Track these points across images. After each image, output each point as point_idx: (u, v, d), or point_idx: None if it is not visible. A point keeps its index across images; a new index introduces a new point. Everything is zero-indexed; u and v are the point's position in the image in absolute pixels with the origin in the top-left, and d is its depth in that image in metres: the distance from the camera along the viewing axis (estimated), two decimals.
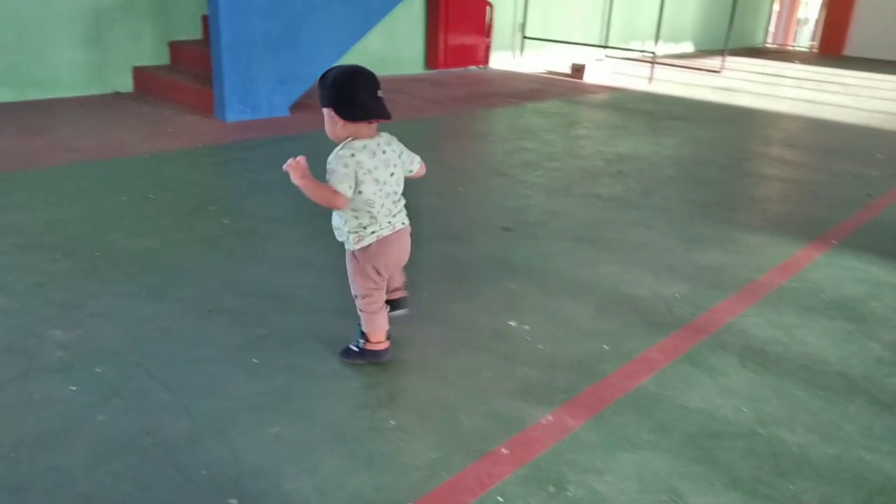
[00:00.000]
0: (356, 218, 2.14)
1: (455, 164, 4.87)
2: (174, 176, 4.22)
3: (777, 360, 2.47)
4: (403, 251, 2.26)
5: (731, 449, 1.98)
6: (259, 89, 5.66)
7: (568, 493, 1.79)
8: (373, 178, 2.08)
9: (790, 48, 15.88)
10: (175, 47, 6.58)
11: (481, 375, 2.28)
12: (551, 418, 2.08)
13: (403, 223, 2.23)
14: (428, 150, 5.37)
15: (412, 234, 2.30)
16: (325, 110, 2.09)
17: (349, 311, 2.52)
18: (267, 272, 2.95)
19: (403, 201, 2.24)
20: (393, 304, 2.39)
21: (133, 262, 2.97)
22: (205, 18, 6.64)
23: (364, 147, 2.07)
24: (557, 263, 3.21)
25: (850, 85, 9.83)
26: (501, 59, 9.79)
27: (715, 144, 5.82)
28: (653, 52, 9.35)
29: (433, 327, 2.58)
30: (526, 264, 3.18)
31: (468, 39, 8.99)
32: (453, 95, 7.42)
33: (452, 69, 8.96)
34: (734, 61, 11.42)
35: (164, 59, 6.60)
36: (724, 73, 10.21)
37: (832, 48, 14.13)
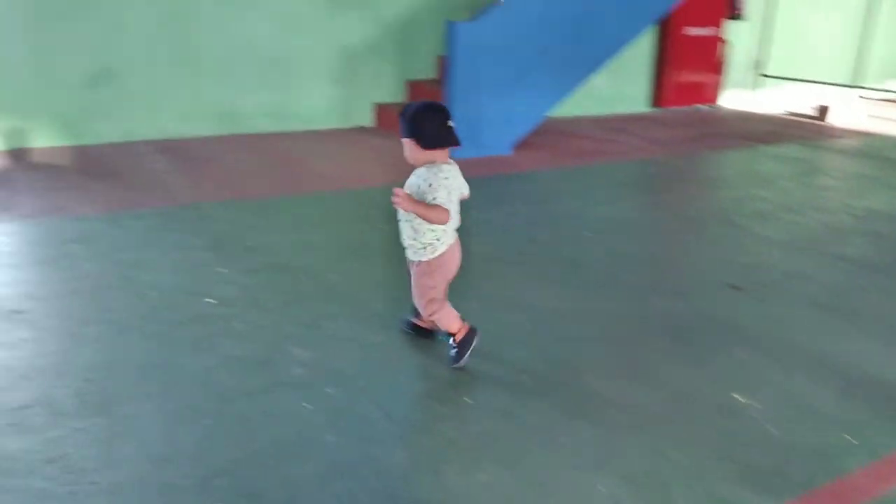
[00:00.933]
0: (433, 231, 2.43)
1: (679, 210, 4.66)
2: None
3: None
4: (459, 258, 2.59)
5: None
6: (485, 128, 5.88)
7: None
8: (452, 198, 2.39)
9: None
10: (411, 85, 7.08)
11: (700, 452, 2.13)
12: None
13: (455, 236, 2.56)
14: (650, 194, 5.25)
15: None
16: (405, 140, 2.39)
17: (564, 362, 2.50)
18: (483, 310, 3.02)
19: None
20: (422, 332, 2.71)
21: (368, 288, 3.21)
22: (440, 59, 7.07)
23: (450, 168, 2.40)
24: (794, 333, 2.92)
25: None
26: (733, 98, 9.24)
27: None
28: None
29: (649, 389, 2.46)
30: (757, 330, 2.93)
31: (697, 77, 8.62)
32: (679, 136, 7.13)
33: (679, 107, 8.63)
34: None
35: (401, 96, 7.12)
36: None
37: None
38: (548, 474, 2.01)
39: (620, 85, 8.32)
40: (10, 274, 3.20)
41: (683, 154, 6.35)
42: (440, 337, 2.58)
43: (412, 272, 2.55)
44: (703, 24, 8.52)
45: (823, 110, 8.34)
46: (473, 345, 2.53)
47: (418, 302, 2.54)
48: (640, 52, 8.31)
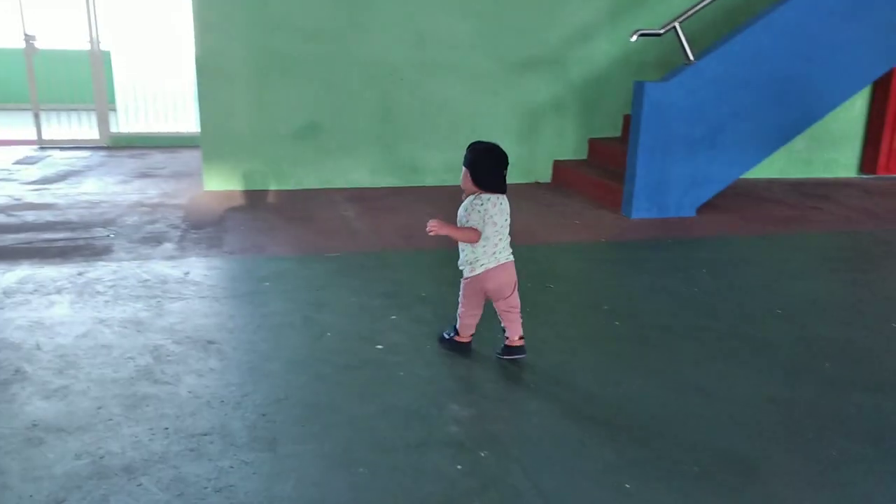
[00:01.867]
0: (473, 252, 2.84)
1: (889, 293, 4.11)
2: (575, 269, 4.42)
3: None
4: (507, 279, 2.88)
5: None
6: (669, 189, 5.64)
7: None
8: (493, 223, 2.77)
9: None
10: (594, 144, 7.00)
11: None
12: None
13: (508, 258, 2.88)
14: (855, 271, 4.68)
15: None
16: (465, 168, 2.81)
17: (740, 455, 2.27)
18: (649, 387, 2.83)
19: (508, 239, 2.88)
20: (514, 351, 2.99)
21: (529, 350, 3.15)
22: (626, 118, 6.95)
23: (489, 199, 2.78)
24: None
25: None
26: None
27: None
28: None
29: (831, 498, 2.14)
30: None
31: None
32: (894, 207, 6.36)
33: (895, 175, 7.73)
34: None
35: (582, 154, 7.07)
36: None
37: None
38: None
39: (823, 147, 7.63)
40: (210, 306, 3.54)
41: None
42: (454, 325, 3.08)
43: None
44: None
45: None
46: (459, 351, 3.05)
47: (460, 302, 3.00)
48: (850, 113, 7.59)
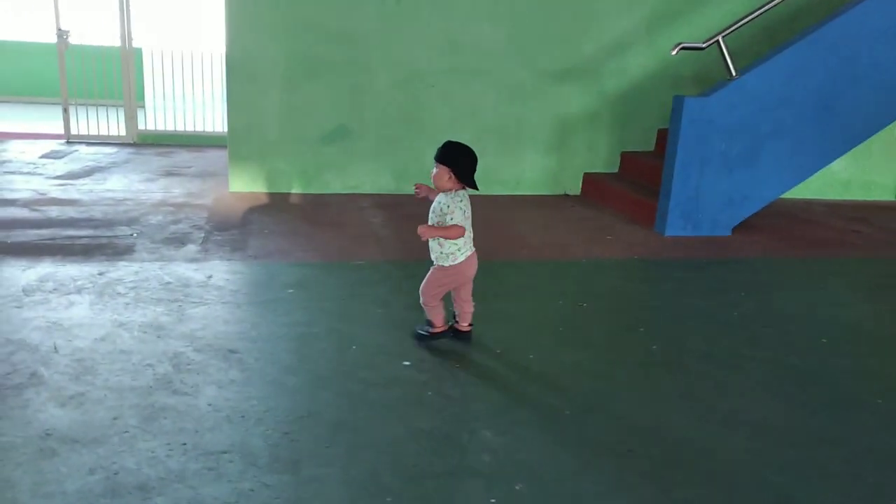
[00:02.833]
0: (455, 244, 3.03)
1: None
2: (609, 286, 4.26)
3: None
4: (475, 268, 3.14)
5: None
6: (705, 207, 5.47)
7: None
8: (467, 217, 3.01)
9: None
10: (626, 157, 6.84)
11: None
12: None
13: (473, 249, 3.12)
14: (892, 299, 4.46)
15: None
16: (442, 167, 2.96)
17: (789, 499, 2.11)
18: (692, 419, 2.67)
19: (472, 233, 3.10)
20: (462, 335, 3.23)
21: (560, 373, 3.00)
22: (660, 132, 6.78)
23: (464, 196, 3.00)
24: None
25: None
26: None
27: None
28: None
29: None
30: None
31: None
32: None
33: None
34: None
35: (613, 167, 6.91)
36: None
37: None
38: None
39: (865, 169, 7.40)
40: (233, 312, 3.43)
41: None
42: (427, 319, 3.19)
43: (430, 270, 3.14)
44: None
45: None
46: (439, 340, 3.17)
47: (423, 290, 3.13)
48: (890, 135, 7.35)
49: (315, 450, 2.31)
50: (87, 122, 8.47)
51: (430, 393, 2.75)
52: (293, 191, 6.28)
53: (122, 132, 8.52)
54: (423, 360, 3.03)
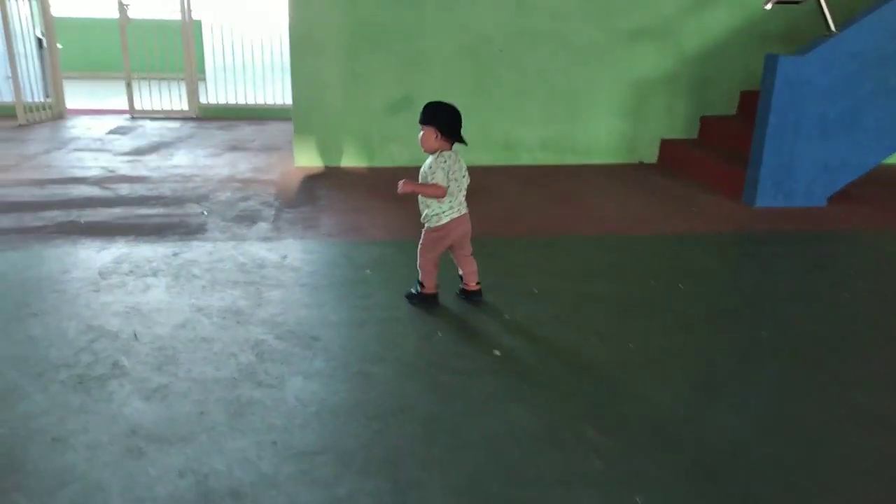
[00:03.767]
0: (439, 205, 3.02)
1: None
2: (702, 265, 3.97)
3: None
4: (466, 228, 3.13)
5: None
6: (798, 175, 5.08)
7: None
8: (454, 178, 2.98)
9: None
10: (706, 122, 6.43)
11: None
12: None
13: (466, 209, 3.11)
14: None
15: None
16: (427, 128, 2.97)
17: None
18: (822, 417, 2.42)
19: (464, 194, 3.10)
20: (472, 294, 3.25)
21: (664, 364, 2.77)
22: (743, 95, 6.34)
23: (450, 156, 2.98)
24: None
25: None
26: None
27: None
28: None
29: None
30: None
31: None
32: None
33: None
34: None
35: (692, 133, 6.52)
36: None
37: None
38: None
39: None
40: (311, 295, 3.30)
41: None
42: (417, 279, 3.22)
43: (423, 233, 3.16)
44: None
45: None
46: (429, 303, 3.19)
47: (419, 252, 3.16)
48: None
49: (411, 449, 2.16)
50: (150, 96, 8.48)
51: (525, 386, 2.56)
52: (360, 164, 6.13)
53: (185, 106, 8.51)
54: (513, 348, 2.84)
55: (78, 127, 7.58)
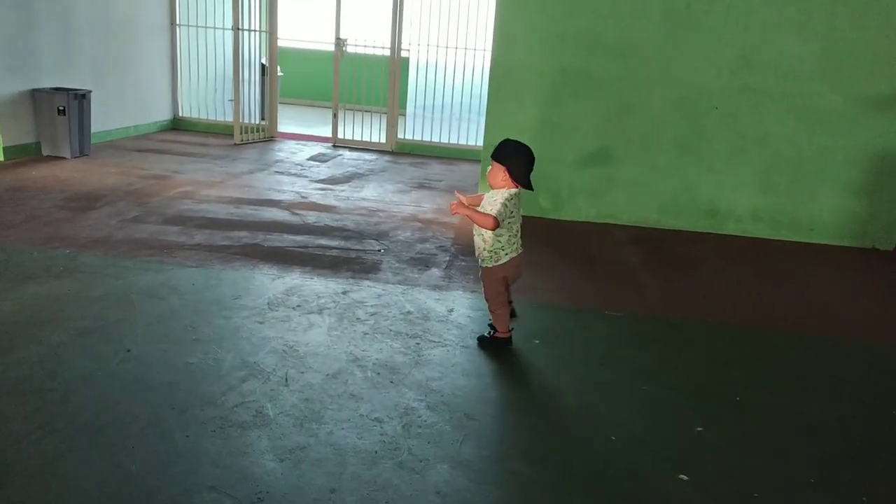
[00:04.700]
0: (498, 241, 2.98)
1: None
2: None
3: None
4: (522, 269, 3.13)
5: None
6: None
7: None
8: (512, 218, 2.94)
9: None
10: None
11: None
12: None
13: (520, 249, 3.05)
14: None
15: None
16: (497, 165, 2.93)
17: None
18: None
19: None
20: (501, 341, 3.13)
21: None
22: None
23: (517, 195, 2.95)
24: None
25: None
26: None
27: None
28: None
29: None
30: None
31: None
32: None
33: None
34: None
35: None
36: None
37: None
38: None
39: None
40: (472, 361, 2.99)
41: None
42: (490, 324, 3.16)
43: (482, 276, 3.09)
44: None
45: None
46: (502, 347, 3.08)
47: (486, 297, 3.08)
48: None
49: None
50: (353, 127, 8.82)
51: None
52: (543, 215, 5.80)
53: (382, 139, 8.74)
54: (704, 474, 2.31)
55: (284, 151, 8.02)
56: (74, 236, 4.26)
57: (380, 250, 4.47)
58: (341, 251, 4.40)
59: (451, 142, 8.76)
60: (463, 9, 8.39)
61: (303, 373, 2.76)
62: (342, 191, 6.16)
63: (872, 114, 5.35)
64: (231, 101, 8.22)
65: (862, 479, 2.35)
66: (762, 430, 2.61)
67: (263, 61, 8.76)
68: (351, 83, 8.93)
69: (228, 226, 4.74)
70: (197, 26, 8.80)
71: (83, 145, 6.64)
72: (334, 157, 7.94)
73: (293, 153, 7.89)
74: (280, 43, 8.71)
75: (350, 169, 7.26)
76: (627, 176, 5.68)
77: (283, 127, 9.19)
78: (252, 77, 8.40)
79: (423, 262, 4.30)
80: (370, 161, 7.85)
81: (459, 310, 3.56)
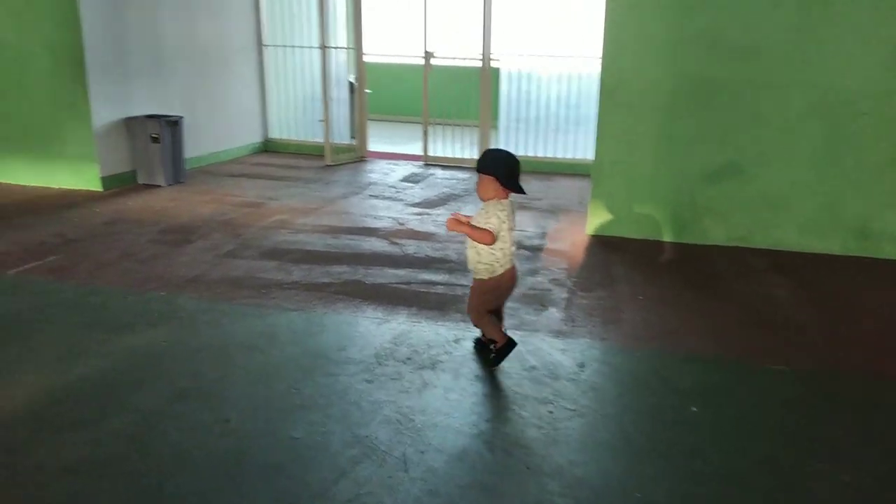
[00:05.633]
0: (493, 254, 2.90)
1: None
2: None
3: None
4: (515, 281, 3.05)
5: None
6: None
7: None
8: (507, 228, 2.90)
9: None
10: None
11: None
12: None
13: (514, 262, 3.01)
14: None
15: None
16: (486, 177, 2.89)
17: None
18: None
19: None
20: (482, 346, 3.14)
21: None
22: None
23: (507, 206, 2.91)
24: None
25: None
26: None
27: None
28: None
29: None
30: None
31: None
32: None
33: None
34: None
35: None
36: None
37: None
38: None
39: None
40: (620, 436, 2.52)
41: None
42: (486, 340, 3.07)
43: (472, 287, 3.04)
44: None
45: None
46: (510, 350, 2.96)
47: (469, 310, 3.06)
48: None
49: None
50: (444, 143, 8.45)
51: None
52: (663, 238, 5.23)
53: (475, 155, 8.33)
54: None
55: (376, 172, 7.74)
56: (169, 276, 4.05)
57: None
58: (447, 287, 4.00)
59: (548, 155, 8.27)
60: (554, 14, 7.89)
61: (423, 452, 2.36)
62: (439, 215, 5.78)
63: None
64: (321, 121, 8.03)
65: None
66: None
67: (351, 79, 8.53)
68: (441, 97, 8.58)
69: (327, 259, 4.43)
70: (284, 46, 8.68)
71: (177, 172, 6.56)
72: (426, 176, 7.59)
73: (385, 174, 7.59)
74: (365, 58, 8.46)
75: (445, 189, 6.89)
76: (760, 192, 5.03)
77: (371, 145, 8.94)
78: (340, 96, 8.18)
79: (538, 300, 3.85)
80: (464, 180, 7.45)
81: (592, 363, 3.09)
